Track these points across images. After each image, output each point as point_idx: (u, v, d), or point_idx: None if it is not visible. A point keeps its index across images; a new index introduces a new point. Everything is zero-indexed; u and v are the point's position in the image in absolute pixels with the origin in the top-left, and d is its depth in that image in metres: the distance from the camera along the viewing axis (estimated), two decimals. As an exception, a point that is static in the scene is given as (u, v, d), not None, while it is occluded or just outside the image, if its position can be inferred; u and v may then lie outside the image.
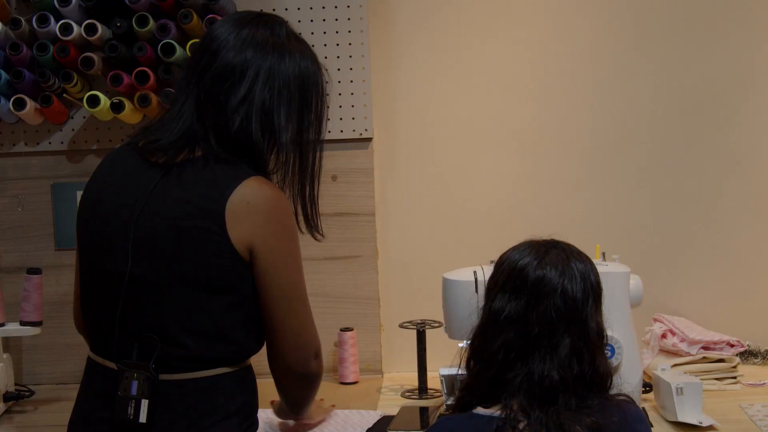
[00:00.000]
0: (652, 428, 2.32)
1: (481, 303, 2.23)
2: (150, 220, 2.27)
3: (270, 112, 2.35)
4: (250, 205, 2.26)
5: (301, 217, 2.47)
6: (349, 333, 3.38)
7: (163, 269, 2.26)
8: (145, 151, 2.35)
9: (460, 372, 2.85)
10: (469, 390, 2.19)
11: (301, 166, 2.46)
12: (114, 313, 2.29)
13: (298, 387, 2.51)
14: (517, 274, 2.15)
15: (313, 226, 2.50)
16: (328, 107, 2.52)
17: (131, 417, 2.25)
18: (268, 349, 2.40)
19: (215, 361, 2.30)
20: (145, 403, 2.25)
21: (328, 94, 2.52)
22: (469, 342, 2.25)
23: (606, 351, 2.20)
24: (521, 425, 2.06)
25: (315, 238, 2.51)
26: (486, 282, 2.24)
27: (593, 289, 2.17)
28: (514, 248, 2.22)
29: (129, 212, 2.29)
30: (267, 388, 2.58)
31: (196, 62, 2.38)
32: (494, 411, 2.11)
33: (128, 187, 2.33)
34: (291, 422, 2.75)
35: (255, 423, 2.42)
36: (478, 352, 2.18)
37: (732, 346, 3.21)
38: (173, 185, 2.29)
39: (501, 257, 2.24)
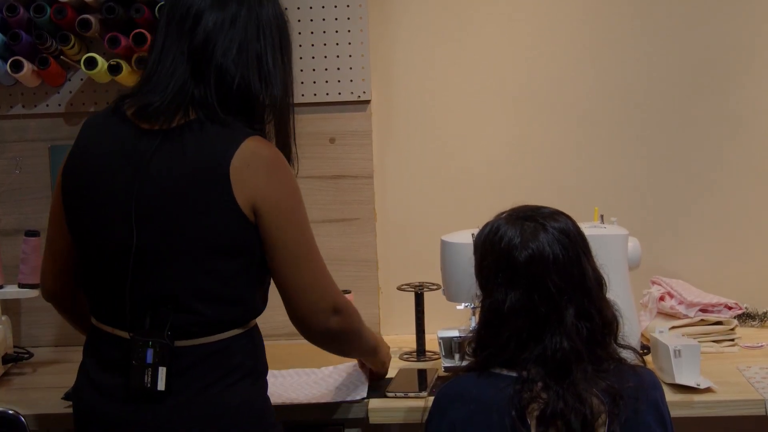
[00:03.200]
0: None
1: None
2: (152, 189, 2.25)
3: (262, 62, 2.35)
4: (251, 165, 2.25)
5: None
6: (347, 296, 3.37)
7: (171, 238, 2.24)
8: (137, 118, 2.31)
9: (458, 336, 2.88)
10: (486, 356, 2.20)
11: (286, 114, 2.45)
12: (123, 287, 2.28)
13: (330, 346, 2.50)
14: (505, 260, 2.15)
15: (295, 161, 2.47)
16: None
17: (148, 385, 2.25)
18: (287, 309, 2.38)
19: (228, 324, 2.31)
20: (162, 371, 2.24)
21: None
22: (472, 335, 2.25)
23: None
24: (539, 385, 2.09)
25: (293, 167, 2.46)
26: (475, 270, 2.25)
27: (579, 241, 2.18)
28: (490, 230, 2.21)
29: (128, 183, 2.27)
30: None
31: (178, 21, 2.34)
32: (513, 372, 2.13)
33: (124, 156, 2.30)
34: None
35: (266, 382, 2.43)
36: (487, 343, 2.18)
37: (730, 308, 3.22)
38: (173, 151, 2.26)
39: (477, 241, 2.24)
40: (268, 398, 2.43)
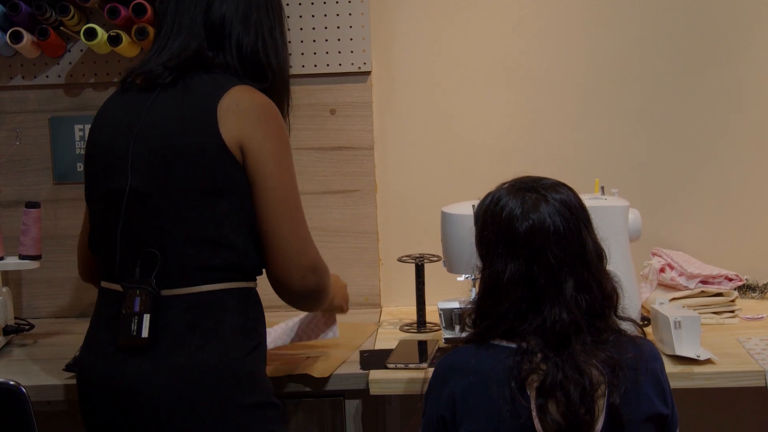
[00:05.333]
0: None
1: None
2: (147, 135, 2.32)
3: (274, 35, 2.47)
4: (240, 105, 2.32)
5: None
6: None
7: (160, 179, 2.29)
8: (144, 82, 2.39)
9: (459, 307, 2.88)
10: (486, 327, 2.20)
11: (287, 85, 2.55)
12: (116, 233, 2.33)
13: (304, 304, 2.53)
14: (505, 231, 2.14)
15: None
16: None
17: (134, 333, 2.27)
18: (266, 264, 2.39)
19: (217, 272, 2.32)
20: (146, 318, 2.27)
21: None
22: (472, 305, 2.25)
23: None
24: (538, 357, 2.09)
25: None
26: (475, 240, 2.25)
27: (580, 212, 2.18)
28: (491, 201, 2.21)
29: (127, 134, 2.34)
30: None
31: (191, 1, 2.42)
32: (512, 343, 2.13)
33: (127, 113, 2.38)
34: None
35: (261, 344, 2.43)
36: (487, 314, 2.18)
37: (730, 280, 3.22)
38: (169, 97, 2.35)
39: (478, 212, 2.23)
40: (261, 365, 2.42)
